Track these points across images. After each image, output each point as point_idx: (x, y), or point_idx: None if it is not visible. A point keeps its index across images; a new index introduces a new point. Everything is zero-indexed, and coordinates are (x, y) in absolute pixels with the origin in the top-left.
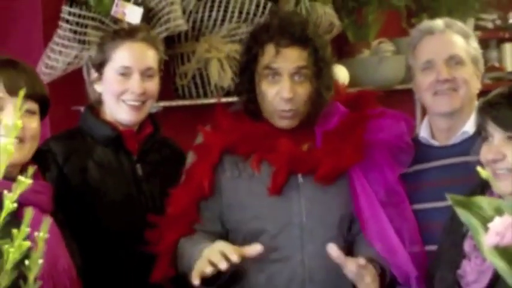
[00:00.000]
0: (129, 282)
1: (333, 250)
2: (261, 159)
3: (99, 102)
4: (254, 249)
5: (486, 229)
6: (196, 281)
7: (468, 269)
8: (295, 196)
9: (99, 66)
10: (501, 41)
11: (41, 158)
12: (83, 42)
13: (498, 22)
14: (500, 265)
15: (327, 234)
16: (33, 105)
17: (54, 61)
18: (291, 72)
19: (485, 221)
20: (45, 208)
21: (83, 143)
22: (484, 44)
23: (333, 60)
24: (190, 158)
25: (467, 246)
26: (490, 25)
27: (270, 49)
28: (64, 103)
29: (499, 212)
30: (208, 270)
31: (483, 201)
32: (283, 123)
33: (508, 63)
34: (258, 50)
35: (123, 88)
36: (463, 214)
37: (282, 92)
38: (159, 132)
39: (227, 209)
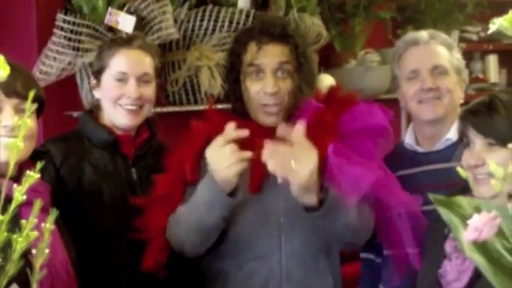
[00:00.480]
0: (121, 281)
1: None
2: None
3: (97, 107)
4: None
5: (466, 226)
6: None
7: (449, 269)
8: (274, 194)
9: (98, 73)
10: (485, 52)
11: (38, 159)
12: (77, 49)
13: (482, 34)
14: (480, 260)
15: (305, 234)
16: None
17: (48, 67)
18: (273, 68)
19: (464, 218)
20: (44, 207)
21: (80, 145)
22: (468, 55)
23: (314, 58)
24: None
25: (448, 246)
26: (474, 37)
27: (252, 47)
28: (57, 108)
29: (478, 210)
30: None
31: (463, 201)
32: (268, 120)
33: (491, 74)
34: (241, 50)
35: (120, 93)
36: (444, 213)
37: (266, 87)
38: (155, 137)
39: None
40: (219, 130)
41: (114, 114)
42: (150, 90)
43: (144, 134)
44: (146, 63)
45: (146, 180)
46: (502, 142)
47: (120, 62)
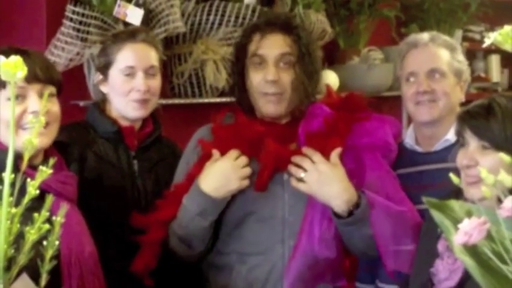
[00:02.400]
0: (115, 270)
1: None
2: (250, 157)
3: (104, 100)
4: None
5: (457, 229)
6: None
7: (440, 268)
8: (279, 192)
9: (104, 68)
10: (488, 52)
11: (65, 150)
12: (85, 40)
13: (485, 34)
14: (469, 262)
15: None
16: (52, 89)
17: (56, 57)
18: (275, 58)
19: (456, 222)
20: (71, 197)
21: (85, 134)
22: (471, 54)
23: (317, 51)
24: (185, 162)
25: (440, 246)
26: (477, 36)
27: (256, 37)
28: (64, 97)
29: (469, 214)
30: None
31: (455, 205)
32: (270, 109)
33: (493, 73)
34: (247, 41)
35: (129, 87)
36: (437, 216)
37: (267, 75)
38: (158, 130)
39: None
40: (229, 146)
41: (124, 108)
42: (156, 83)
43: (148, 127)
44: (152, 56)
45: (147, 172)
46: (496, 146)
47: (127, 56)
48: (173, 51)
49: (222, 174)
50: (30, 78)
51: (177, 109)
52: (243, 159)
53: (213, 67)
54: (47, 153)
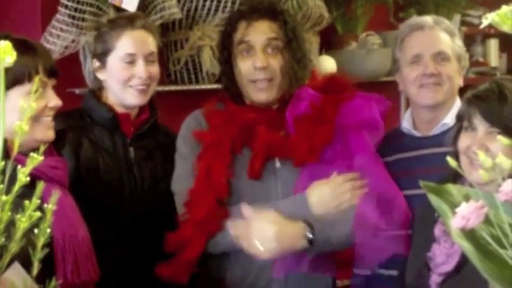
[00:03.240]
0: (111, 257)
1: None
2: (242, 145)
3: (100, 88)
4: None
5: (454, 213)
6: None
7: (437, 252)
8: (272, 180)
9: (102, 55)
10: (486, 36)
11: (61, 137)
12: (81, 27)
13: (484, 18)
14: (467, 247)
15: None
16: (55, 81)
17: (52, 44)
18: (263, 44)
19: (454, 206)
20: (62, 182)
21: (81, 122)
22: (469, 39)
23: (304, 35)
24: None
25: (437, 230)
26: (475, 21)
27: (242, 25)
28: (60, 85)
29: (467, 198)
30: None
31: (453, 189)
32: (261, 96)
33: (492, 58)
34: (232, 29)
35: (129, 74)
36: (434, 200)
37: (255, 62)
38: (155, 117)
39: None
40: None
41: (124, 95)
42: (156, 69)
43: (145, 114)
44: (150, 42)
45: (143, 159)
46: (507, 132)
47: (127, 43)
48: (169, 38)
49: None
50: (50, 73)
51: (174, 96)
52: None
53: (209, 53)
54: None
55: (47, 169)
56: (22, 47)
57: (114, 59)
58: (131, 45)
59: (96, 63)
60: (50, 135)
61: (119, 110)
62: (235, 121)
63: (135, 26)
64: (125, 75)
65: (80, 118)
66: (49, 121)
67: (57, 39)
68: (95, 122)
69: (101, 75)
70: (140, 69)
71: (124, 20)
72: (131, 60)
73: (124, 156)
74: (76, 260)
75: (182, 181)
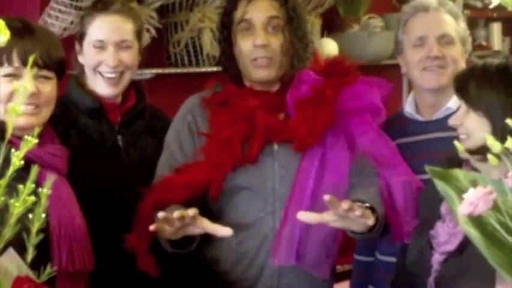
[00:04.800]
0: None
1: (304, 216)
2: (245, 131)
3: (82, 73)
4: (221, 230)
5: (462, 199)
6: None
7: (440, 230)
8: (269, 163)
9: (80, 39)
10: (489, 20)
11: (59, 124)
12: (79, 8)
13: (487, 1)
14: (474, 234)
15: None
16: (48, 73)
17: (50, 26)
18: (263, 23)
19: (461, 192)
20: (61, 170)
21: (66, 111)
22: (472, 22)
23: (305, 14)
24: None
25: (443, 209)
26: (479, 4)
27: (242, 3)
28: None
29: (474, 183)
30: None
31: (460, 174)
32: (260, 74)
33: (495, 42)
34: (232, 7)
35: (98, 60)
36: (440, 185)
37: (256, 40)
38: (142, 103)
39: None
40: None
41: (94, 83)
42: (129, 56)
43: (131, 101)
44: (125, 29)
45: (132, 146)
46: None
47: (97, 29)
48: (169, 20)
49: None
50: (26, 61)
51: (174, 78)
52: None
53: (210, 35)
54: (42, 131)
55: (46, 155)
56: (19, 26)
57: (87, 44)
58: (101, 32)
59: (77, 46)
60: (21, 122)
61: (104, 98)
62: (239, 115)
63: (109, 11)
64: (93, 61)
65: (65, 108)
66: (23, 108)
67: (55, 21)
68: (80, 111)
69: (81, 59)
70: (109, 56)
71: (101, 4)
72: (100, 46)
73: (112, 144)
74: (71, 248)
75: (159, 169)
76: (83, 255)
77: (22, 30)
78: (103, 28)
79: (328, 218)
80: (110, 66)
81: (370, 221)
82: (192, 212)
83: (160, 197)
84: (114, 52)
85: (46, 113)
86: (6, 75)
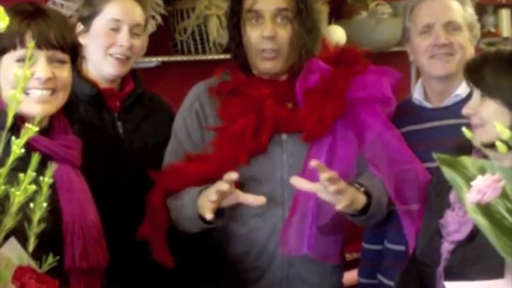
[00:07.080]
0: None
1: (297, 181)
2: (256, 121)
3: (81, 58)
4: (254, 199)
5: (470, 187)
6: (209, 215)
7: (450, 219)
8: (278, 153)
9: (87, 18)
10: (498, 6)
11: (69, 113)
12: None
13: None
14: (482, 222)
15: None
16: (64, 56)
17: None
18: (272, 14)
19: (469, 179)
20: (75, 163)
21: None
22: (481, 9)
23: (317, 8)
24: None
25: (452, 197)
26: None
27: None
28: None
29: (482, 171)
30: (225, 187)
31: (467, 161)
32: (266, 65)
33: (504, 28)
34: None
35: (111, 41)
36: (448, 173)
37: (263, 31)
38: (140, 88)
39: None
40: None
41: (102, 63)
42: (139, 43)
43: (129, 86)
44: (138, 13)
45: (133, 132)
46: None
47: (115, 9)
48: (175, 7)
49: None
50: (42, 44)
51: (180, 66)
52: None
53: (216, 23)
54: (52, 118)
55: (60, 148)
56: (31, 11)
57: (100, 23)
58: (119, 12)
59: (80, 27)
60: (37, 110)
61: (101, 85)
62: (249, 105)
63: None
64: (106, 41)
65: None
66: (38, 94)
67: (60, 9)
68: (78, 99)
69: (82, 39)
70: (123, 37)
71: None
72: (115, 27)
73: (112, 131)
74: (85, 245)
75: (167, 157)
76: (97, 252)
77: (34, 13)
78: (120, 9)
79: (317, 187)
80: (123, 48)
81: (357, 204)
82: (235, 175)
83: (170, 186)
84: (128, 34)
85: (62, 99)
86: (19, 60)
